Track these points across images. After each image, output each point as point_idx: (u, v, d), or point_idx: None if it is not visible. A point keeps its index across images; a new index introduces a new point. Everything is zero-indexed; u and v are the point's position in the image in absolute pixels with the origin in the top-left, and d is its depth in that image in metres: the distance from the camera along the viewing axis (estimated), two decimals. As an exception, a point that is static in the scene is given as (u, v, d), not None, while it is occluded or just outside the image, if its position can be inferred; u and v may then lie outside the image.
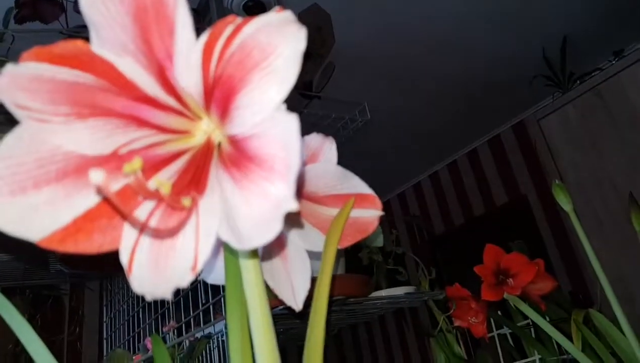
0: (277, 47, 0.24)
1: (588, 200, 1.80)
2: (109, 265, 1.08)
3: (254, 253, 0.31)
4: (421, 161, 3.15)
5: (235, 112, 0.25)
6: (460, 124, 2.74)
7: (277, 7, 0.25)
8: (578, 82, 2.10)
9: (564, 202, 0.65)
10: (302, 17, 1.60)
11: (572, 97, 1.97)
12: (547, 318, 0.97)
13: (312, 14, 1.53)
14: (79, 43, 0.25)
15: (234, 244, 0.24)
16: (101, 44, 0.26)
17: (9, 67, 0.25)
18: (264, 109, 0.24)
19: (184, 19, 0.24)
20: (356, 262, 1.26)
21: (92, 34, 0.26)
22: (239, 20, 0.24)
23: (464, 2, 1.87)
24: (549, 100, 2.37)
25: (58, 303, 2.27)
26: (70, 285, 2.28)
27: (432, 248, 3.06)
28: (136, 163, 0.23)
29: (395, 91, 2.34)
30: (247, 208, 0.24)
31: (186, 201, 0.25)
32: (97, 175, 0.21)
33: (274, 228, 0.22)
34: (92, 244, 0.24)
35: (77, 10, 1.03)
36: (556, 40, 2.13)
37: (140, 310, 1.53)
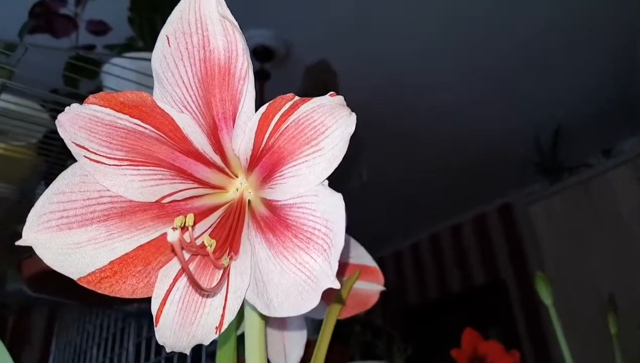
0: (329, 128, 0.26)
1: (567, 294, 1.81)
2: (78, 295, 1.03)
3: (263, 317, 0.31)
4: (403, 228, 3.16)
5: (280, 180, 0.27)
6: (447, 197, 2.78)
7: (331, 92, 0.28)
8: (567, 173, 2.16)
9: (545, 296, 0.66)
10: (310, 70, 1.64)
11: (560, 188, 2.03)
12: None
13: (320, 68, 1.59)
14: (143, 95, 0.27)
15: (261, 309, 0.25)
16: (163, 98, 0.28)
17: (74, 106, 0.27)
18: (309, 183, 0.26)
19: (250, 93, 0.26)
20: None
21: (157, 87, 0.28)
22: (296, 98, 0.27)
23: (464, 78, 1.96)
24: (537, 186, 2.43)
25: (1, 324, 2.15)
26: (18, 307, 2.16)
27: (405, 320, 3.01)
28: (189, 219, 0.24)
29: (384, 156, 2.37)
30: (280, 275, 0.24)
31: (225, 260, 0.25)
32: (173, 235, 0.22)
33: (310, 302, 0.22)
34: (126, 288, 0.25)
35: (89, 30, 1.04)
36: (549, 129, 2.21)
37: (95, 346, 1.46)
